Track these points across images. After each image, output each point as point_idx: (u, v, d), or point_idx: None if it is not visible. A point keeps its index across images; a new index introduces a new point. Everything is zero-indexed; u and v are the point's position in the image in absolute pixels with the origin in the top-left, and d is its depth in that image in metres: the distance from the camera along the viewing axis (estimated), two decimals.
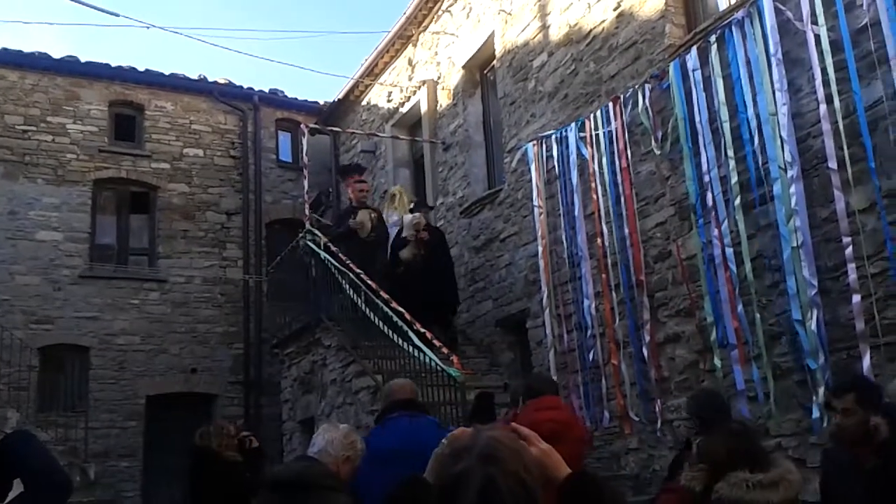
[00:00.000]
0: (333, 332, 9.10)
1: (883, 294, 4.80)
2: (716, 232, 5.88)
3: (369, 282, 8.18)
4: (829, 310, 5.13)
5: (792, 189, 5.25)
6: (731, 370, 5.74)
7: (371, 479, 3.33)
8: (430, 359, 6.80)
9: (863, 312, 4.84)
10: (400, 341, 7.31)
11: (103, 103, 13.46)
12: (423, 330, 7.11)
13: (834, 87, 5.03)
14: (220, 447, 5.46)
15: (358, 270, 8.36)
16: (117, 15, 8.21)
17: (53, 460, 2.53)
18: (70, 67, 13.25)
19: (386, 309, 7.65)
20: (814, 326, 5.01)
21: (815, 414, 5.03)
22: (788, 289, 5.22)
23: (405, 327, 7.24)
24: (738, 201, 5.77)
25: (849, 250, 4.93)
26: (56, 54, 13.20)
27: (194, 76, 14.24)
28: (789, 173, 5.28)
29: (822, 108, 5.12)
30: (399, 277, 8.89)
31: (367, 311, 7.99)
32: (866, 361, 4.71)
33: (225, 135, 14.28)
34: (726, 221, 5.85)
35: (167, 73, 13.95)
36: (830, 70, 5.06)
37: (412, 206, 9.64)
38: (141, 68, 13.73)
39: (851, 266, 4.90)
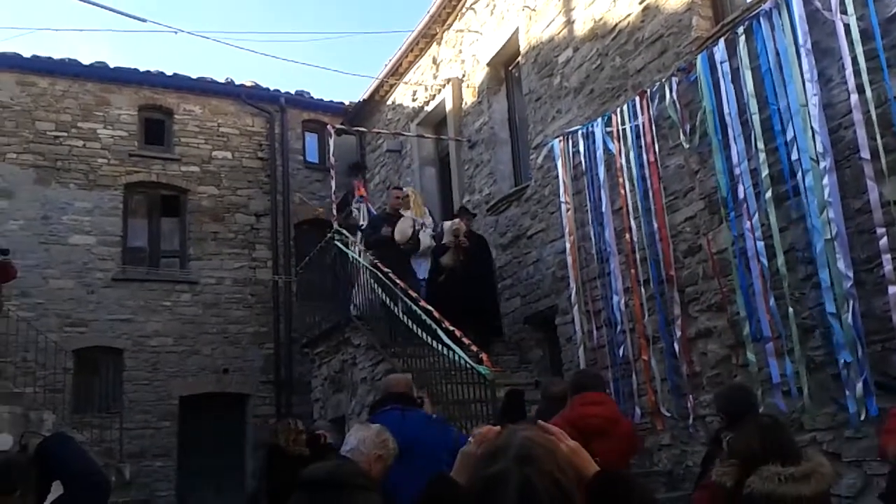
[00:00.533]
0: (363, 331, 9.14)
1: None
2: (748, 225, 5.82)
3: (398, 280, 8.19)
4: (863, 302, 5.04)
5: (825, 180, 5.17)
6: (765, 364, 5.68)
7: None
8: (460, 357, 6.80)
9: None
10: (429, 339, 7.32)
11: (133, 108, 13.64)
12: (452, 328, 7.11)
13: (865, 77, 4.95)
14: (287, 443, 5.55)
15: (386, 269, 8.38)
16: (145, 20, 8.34)
17: (92, 462, 2.57)
18: (99, 73, 13.44)
19: (415, 307, 7.66)
20: (850, 319, 4.94)
21: (852, 408, 4.96)
22: (822, 281, 5.14)
23: (434, 325, 7.25)
24: (769, 194, 5.70)
25: (883, 241, 4.85)
26: (85, 60, 13.44)
27: (221, 79, 14.38)
28: (821, 164, 5.21)
29: (854, 98, 5.04)
30: (440, 284, 8.78)
31: (396, 309, 8.01)
32: None
33: (252, 137, 14.41)
34: (757, 214, 5.78)
35: (195, 76, 14.12)
36: (861, 60, 4.98)
37: (455, 213, 9.52)
38: (169, 73, 13.91)
39: (887, 257, 4.82)
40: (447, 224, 9.08)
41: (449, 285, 8.63)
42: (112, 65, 13.55)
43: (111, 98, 13.49)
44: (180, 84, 13.97)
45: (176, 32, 9.34)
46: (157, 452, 12.46)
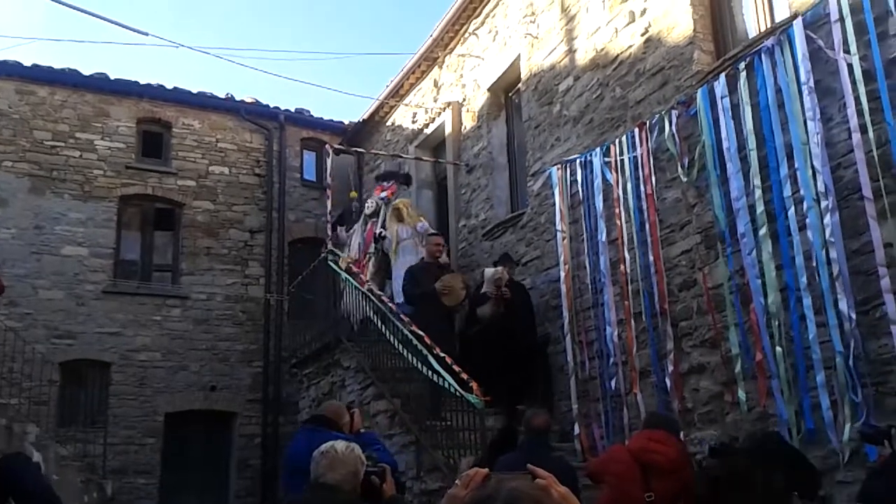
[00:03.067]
0: (353, 354, 9.06)
1: None
2: (747, 260, 5.77)
3: (391, 304, 8.13)
4: (858, 344, 4.99)
5: (826, 219, 5.14)
6: (757, 403, 5.62)
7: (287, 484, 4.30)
8: (450, 384, 6.72)
9: (895, 347, 4.71)
10: (420, 365, 7.25)
11: (131, 120, 13.59)
12: (442, 354, 7.03)
13: (867, 117, 4.92)
14: None
15: (379, 292, 8.32)
16: (147, 34, 8.28)
17: (47, 484, 2.56)
18: (99, 84, 13.39)
19: (406, 332, 7.59)
20: (851, 360, 4.89)
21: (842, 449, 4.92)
22: (829, 320, 5.08)
23: (425, 351, 7.17)
24: (763, 231, 5.67)
25: (885, 280, 4.80)
26: (86, 71, 13.35)
27: (221, 95, 14.36)
28: (823, 203, 5.17)
29: (856, 137, 5.01)
30: (474, 337, 8.12)
31: (388, 333, 7.94)
32: None
33: (250, 153, 14.36)
34: (754, 251, 5.74)
35: (195, 91, 14.07)
36: (864, 100, 4.96)
37: (496, 259, 8.84)
38: (169, 86, 13.87)
39: (889, 297, 4.76)
40: (489, 272, 8.14)
41: (486, 338, 7.94)
42: (112, 76, 13.51)
43: (110, 109, 13.44)
44: (180, 98, 13.94)
45: (177, 47, 9.34)
46: (140, 469, 12.28)
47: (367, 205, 11.00)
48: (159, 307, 13.10)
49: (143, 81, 13.69)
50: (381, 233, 10.27)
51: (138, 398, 12.61)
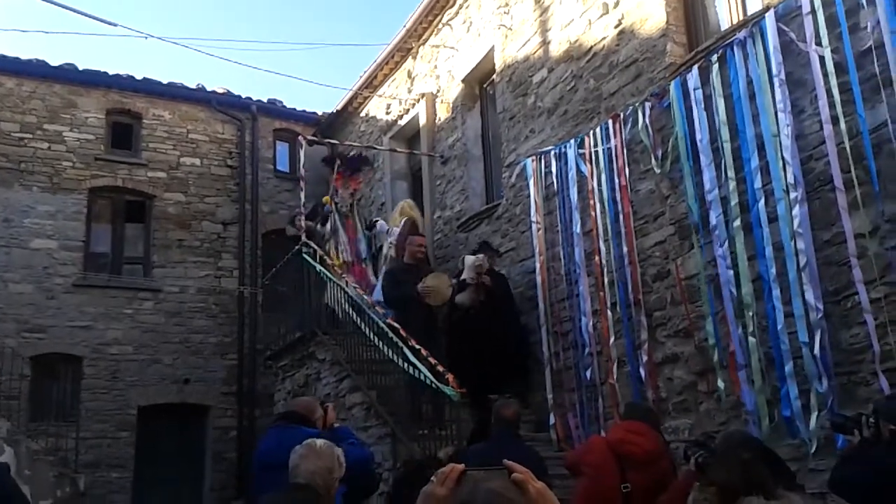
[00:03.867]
0: (328, 346, 9.03)
1: (885, 319, 4.73)
2: (719, 251, 5.83)
3: (365, 297, 8.11)
4: (830, 334, 5.06)
5: (795, 210, 5.20)
6: (733, 393, 5.70)
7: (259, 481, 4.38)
8: (426, 376, 6.73)
9: (866, 337, 4.79)
10: (395, 357, 7.25)
11: (100, 111, 13.40)
12: (418, 346, 7.03)
13: (839, 109, 4.98)
14: None
15: (355, 284, 8.29)
16: (115, 25, 8.17)
17: (17, 489, 2.52)
18: (68, 75, 13.18)
19: (381, 324, 7.58)
20: (817, 350, 4.96)
21: (811, 438, 5.01)
22: (795, 310, 5.16)
23: (401, 343, 7.17)
24: (737, 222, 5.73)
25: (857, 270, 4.86)
26: (54, 62, 13.14)
27: (192, 85, 14.20)
28: (792, 195, 5.24)
29: (827, 128, 5.07)
30: (454, 325, 7.96)
31: (363, 325, 7.93)
32: (884, 384, 4.63)
33: (222, 144, 14.23)
34: (727, 242, 5.80)
35: (165, 81, 13.90)
36: (835, 92, 5.02)
37: (476, 248, 8.70)
38: (139, 77, 13.69)
39: (861, 287, 4.83)
40: (469, 259, 8.01)
41: (467, 327, 7.83)
42: (81, 67, 13.30)
43: (78, 101, 13.24)
44: (150, 88, 13.76)
45: (146, 37, 9.20)
46: (113, 463, 12.19)
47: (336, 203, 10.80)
48: (131, 300, 12.97)
49: (112, 72, 13.51)
50: (373, 221, 10.29)
51: (111, 392, 12.50)
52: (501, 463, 1.63)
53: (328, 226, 10.37)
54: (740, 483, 2.82)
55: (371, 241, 10.34)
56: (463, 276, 7.97)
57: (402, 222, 9.77)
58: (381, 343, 7.53)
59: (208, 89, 14.29)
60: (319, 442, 3.30)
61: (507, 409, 5.27)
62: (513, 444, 5.03)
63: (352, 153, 11.34)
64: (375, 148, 12.09)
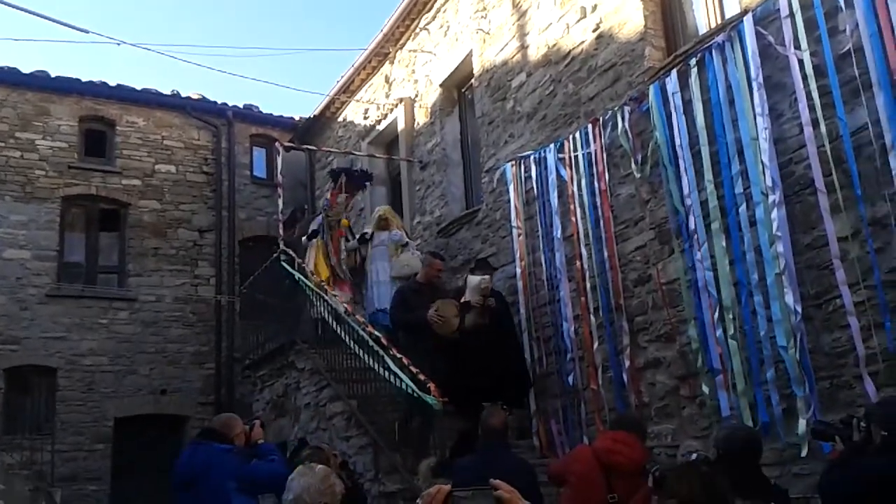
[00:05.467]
0: (307, 355, 8.93)
1: (867, 323, 4.72)
2: (698, 255, 5.82)
3: (346, 306, 8.02)
4: (812, 338, 5.06)
5: (774, 214, 5.20)
6: (715, 397, 5.68)
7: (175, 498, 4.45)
8: (407, 385, 6.65)
9: (849, 340, 4.78)
10: (376, 366, 7.17)
11: (73, 119, 13.21)
12: (399, 355, 6.96)
13: (819, 112, 4.98)
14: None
15: (335, 293, 8.19)
16: (87, 31, 8.04)
17: None
18: (40, 82, 12.98)
19: (362, 333, 7.49)
20: (797, 354, 4.95)
21: (799, 443, 4.98)
22: (774, 314, 5.15)
23: (381, 352, 7.09)
24: (716, 226, 5.72)
25: (840, 273, 4.85)
26: (25, 69, 12.93)
27: (167, 91, 14.03)
28: (771, 198, 5.23)
29: (808, 131, 5.07)
30: (453, 348, 7.18)
31: (343, 334, 7.84)
32: (870, 388, 4.63)
33: (198, 151, 14.07)
34: (706, 245, 5.79)
35: (139, 88, 13.74)
36: (815, 95, 5.02)
37: (473, 265, 8.14)
38: (112, 83, 13.51)
39: (845, 289, 4.82)
40: (473, 280, 7.35)
41: (470, 349, 7.10)
42: (53, 74, 13.11)
43: (51, 108, 13.04)
44: (123, 95, 13.57)
45: (118, 44, 9.07)
46: (90, 476, 11.99)
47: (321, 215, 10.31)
48: (105, 310, 12.78)
49: (85, 79, 13.32)
50: (366, 234, 9.79)
51: (86, 403, 12.30)
52: (487, 481, 1.60)
53: (315, 240, 9.89)
54: (701, 497, 2.85)
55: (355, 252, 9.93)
56: (466, 298, 7.30)
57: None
58: (361, 351, 7.45)
59: (183, 95, 14.14)
60: (319, 467, 3.25)
61: (493, 417, 5.19)
62: (501, 454, 4.95)
63: (356, 169, 10.93)
64: (353, 153, 12.00)
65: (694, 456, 4.29)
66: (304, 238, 10.08)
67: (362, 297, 9.62)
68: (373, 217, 9.96)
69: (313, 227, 9.85)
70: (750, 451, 3.92)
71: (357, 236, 9.92)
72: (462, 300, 7.27)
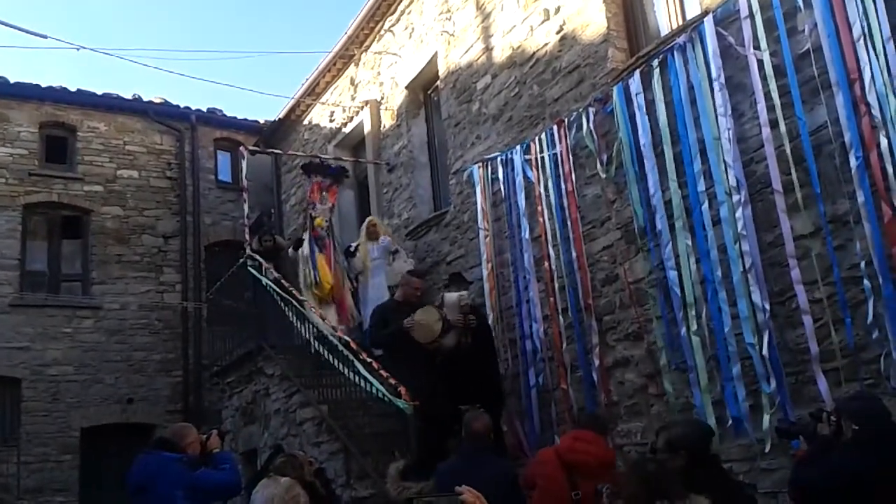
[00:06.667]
0: (276, 361, 8.87)
1: (829, 319, 4.80)
2: (663, 254, 5.88)
3: (314, 309, 7.98)
4: (776, 334, 5.13)
5: (738, 213, 5.26)
6: (682, 395, 5.74)
7: None
8: (377, 389, 6.63)
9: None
10: (346, 370, 7.14)
11: (33, 125, 13.02)
12: (369, 360, 6.94)
13: (779, 112, 5.05)
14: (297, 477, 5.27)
15: (303, 298, 8.14)
16: (45, 37, 7.89)
17: None
18: None
19: (332, 338, 7.46)
20: (765, 350, 5.02)
21: (763, 438, 5.06)
22: (740, 312, 5.21)
23: (351, 357, 7.06)
24: (681, 225, 5.78)
25: (795, 272, 4.94)
26: None
27: (128, 96, 13.86)
28: (735, 197, 5.30)
29: (766, 131, 5.14)
30: (433, 367, 6.76)
31: (312, 339, 7.80)
32: (822, 385, 4.71)
33: (161, 155, 13.93)
34: (671, 245, 5.85)
35: (100, 93, 13.56)
36: (775, 95, 5.09)
37: (446, 280, 7.92)
38: (72, 88, 13.33)
39: (800, 288, 4.90)
40: (451, 297, 6.96)
41: (452, 369, 6.70)
42: (12, 80, 12.88)
43: (10, 114, 12.84)
44: (84, 100, 13.40)
45: (78, 49, 8.90)
46: (57, 487, 11.82)
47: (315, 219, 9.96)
48: (69, 319, 12.60)
49: (44, 84, 13.13)
50: (350, 248, 9.61)
51: (51, 414, 12.13)
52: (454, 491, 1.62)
53: (302, 250, 9.70)
54: (643, 494, 2.95)
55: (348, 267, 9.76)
56: (447, 316, 6.85)
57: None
58: (331, 357, 7.41)
59: (145, 99, 13.99)
60: (284, 479, 3.23)
61: (476, 421, 5.17)
62: (483, 459, 4.94)
63: (328, 162, 10.71)
64: (319, 157, 11.91)
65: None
66: (290, 250, 10.03)
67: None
68: (362, 228, 9.70)
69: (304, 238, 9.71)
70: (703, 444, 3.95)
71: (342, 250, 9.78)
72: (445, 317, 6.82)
